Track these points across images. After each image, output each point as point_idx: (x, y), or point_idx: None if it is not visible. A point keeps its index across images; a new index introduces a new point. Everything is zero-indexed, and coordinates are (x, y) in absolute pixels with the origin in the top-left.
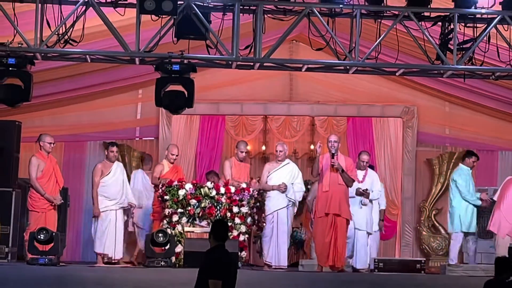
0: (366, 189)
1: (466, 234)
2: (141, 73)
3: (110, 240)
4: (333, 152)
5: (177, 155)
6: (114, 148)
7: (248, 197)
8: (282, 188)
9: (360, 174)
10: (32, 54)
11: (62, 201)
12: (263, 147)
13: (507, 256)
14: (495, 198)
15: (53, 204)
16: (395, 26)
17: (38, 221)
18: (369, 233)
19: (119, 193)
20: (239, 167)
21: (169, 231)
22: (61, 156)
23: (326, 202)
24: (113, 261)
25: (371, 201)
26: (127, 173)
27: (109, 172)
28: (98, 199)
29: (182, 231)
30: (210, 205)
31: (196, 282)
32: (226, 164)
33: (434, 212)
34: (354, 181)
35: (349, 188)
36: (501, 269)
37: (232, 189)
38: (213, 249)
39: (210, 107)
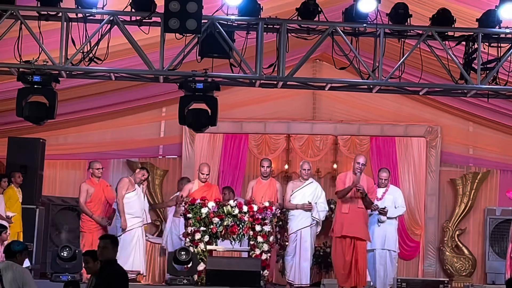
0: (384, 208)
1: None
2: (164, 91)
3: (139, 257)
4: (359, 174)
5: (207, 174)
6: (145, 172)
7: (271, 216)
8: (308, 207)
9: (380, 191)
10: (57, 72)
11: (109, 221)
12: (286, 166)
13: None
14: None
15: (101, 225)
16: (419, 46)
17: (87, 240)
18: (391, 251)
19: (142, 211)
20: (260, 185)
21: (191, 249)
22: (84, 173)
23: (344, 224)
24: (143, 276)
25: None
26: (149, 191)
27: (134, 189)
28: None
29: (204, 249)
30: (233, 223)
31: None
32: (249, 184)
33: (457, 233)
34: (373, 203)
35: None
36: None
37: (255, 208)
38: None
39: (233, 125)
